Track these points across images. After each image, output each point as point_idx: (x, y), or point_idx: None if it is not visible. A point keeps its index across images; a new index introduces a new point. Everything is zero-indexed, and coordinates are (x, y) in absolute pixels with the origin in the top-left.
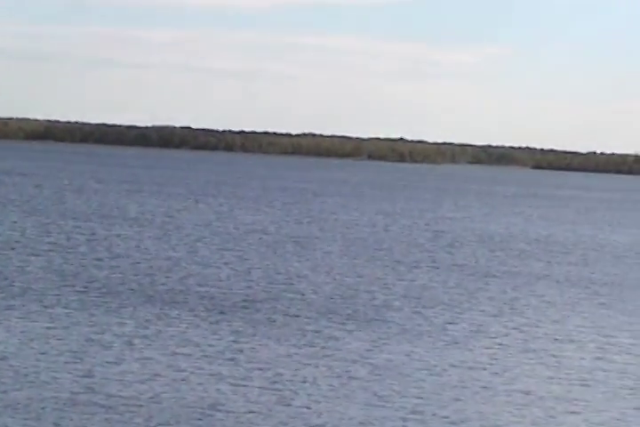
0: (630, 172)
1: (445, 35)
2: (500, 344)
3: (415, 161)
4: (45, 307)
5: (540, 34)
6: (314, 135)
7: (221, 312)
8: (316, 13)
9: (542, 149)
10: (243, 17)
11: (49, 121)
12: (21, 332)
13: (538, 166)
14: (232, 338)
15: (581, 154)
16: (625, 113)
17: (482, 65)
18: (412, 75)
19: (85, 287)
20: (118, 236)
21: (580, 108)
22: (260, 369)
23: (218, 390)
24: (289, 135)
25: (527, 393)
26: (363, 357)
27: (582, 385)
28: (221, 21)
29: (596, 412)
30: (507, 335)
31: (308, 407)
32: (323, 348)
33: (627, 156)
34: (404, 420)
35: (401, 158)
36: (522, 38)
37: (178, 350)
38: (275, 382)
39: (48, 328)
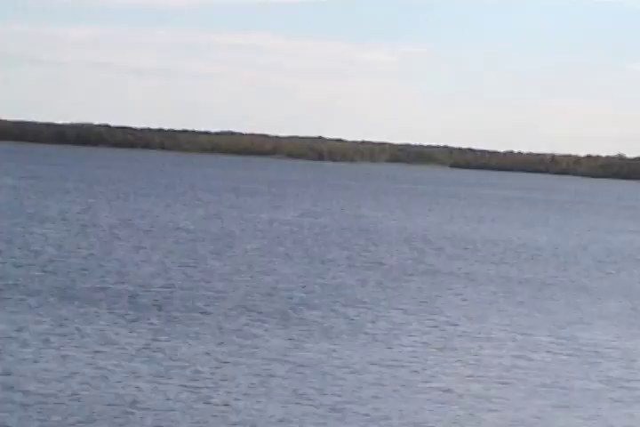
0: (547, 171)
1: (362, 33)
2: (419, 342)
3: (334, 160)
4: None
5: (457, 33)
6: (232, 133)
7: (140, 310)
8: (235, 12)
9: (460, 148)
10: (161, 15)
11: None
12: None
13: (456, 165)
14: (150, 336)
15: (499, 153)
16: (542, 113)
17: (400, 64)
18: (330, 73)
19: (2, 286)
20: (36, 234)
21: (497, 108)
22: (179, 367)
23: (137, 387)
24: (207, 133)
25: (447, 391)
26: (282, 355)
27: (501, 383)
28: (139, 19)
29: (514, 410)
30: (426, 333)
31: (227, 405)
32: (242, 346)
33: (544, 155)
34: (324, 417)
35: (319, 157)
36: (439, 37)
37: (96, 348)
38: (194, 380)
39: None
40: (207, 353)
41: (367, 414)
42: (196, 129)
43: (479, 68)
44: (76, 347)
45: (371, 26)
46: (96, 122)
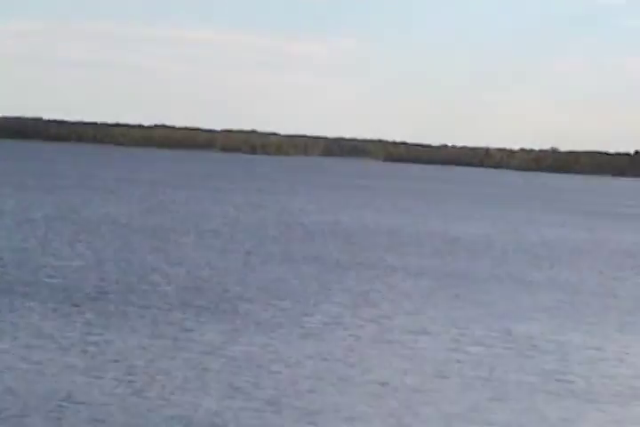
0: (481, 165)
1: (298, 27)
2: (354, 336)
3: (267, 153)
4: None
5: (390, 27)
6: (166, 127)
7: (74, 304)
8: (172, 5)
9: (394, 142)
10: (98, 7)
11: None
12: None
13: (390, 159)
14: (85, 330)
15: (433, 147)
16: (476, 107)
17: (334, 57)
18: (265, 67)
19: None
20: None
21: (431, 102)
22: (114, 361)
23: (72, 381)
24: (140, 127)
25: (382, 384)
26: (217, 348)
27: (437, 376)
28: (76, 12)
29: (450, 403)
30: (361, 327)
31: (163, 399)
32: (177, 340)
33: (477, 149)
34: (260, 411)
35: (253, 150)
36: (372, 31)
37: (30, 342)
38: (129, 374)
39: None
40: (142, 347)
41: (303, 408)
42: (130, 122)
43: (413, 62)
44: (9, 341)
45: (304, 20)
46: (29, 115)
